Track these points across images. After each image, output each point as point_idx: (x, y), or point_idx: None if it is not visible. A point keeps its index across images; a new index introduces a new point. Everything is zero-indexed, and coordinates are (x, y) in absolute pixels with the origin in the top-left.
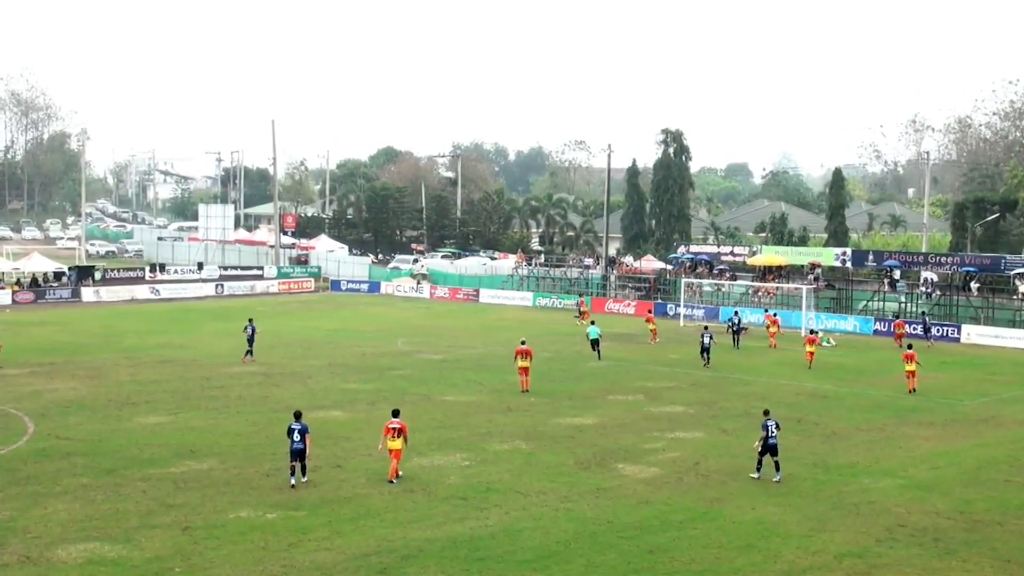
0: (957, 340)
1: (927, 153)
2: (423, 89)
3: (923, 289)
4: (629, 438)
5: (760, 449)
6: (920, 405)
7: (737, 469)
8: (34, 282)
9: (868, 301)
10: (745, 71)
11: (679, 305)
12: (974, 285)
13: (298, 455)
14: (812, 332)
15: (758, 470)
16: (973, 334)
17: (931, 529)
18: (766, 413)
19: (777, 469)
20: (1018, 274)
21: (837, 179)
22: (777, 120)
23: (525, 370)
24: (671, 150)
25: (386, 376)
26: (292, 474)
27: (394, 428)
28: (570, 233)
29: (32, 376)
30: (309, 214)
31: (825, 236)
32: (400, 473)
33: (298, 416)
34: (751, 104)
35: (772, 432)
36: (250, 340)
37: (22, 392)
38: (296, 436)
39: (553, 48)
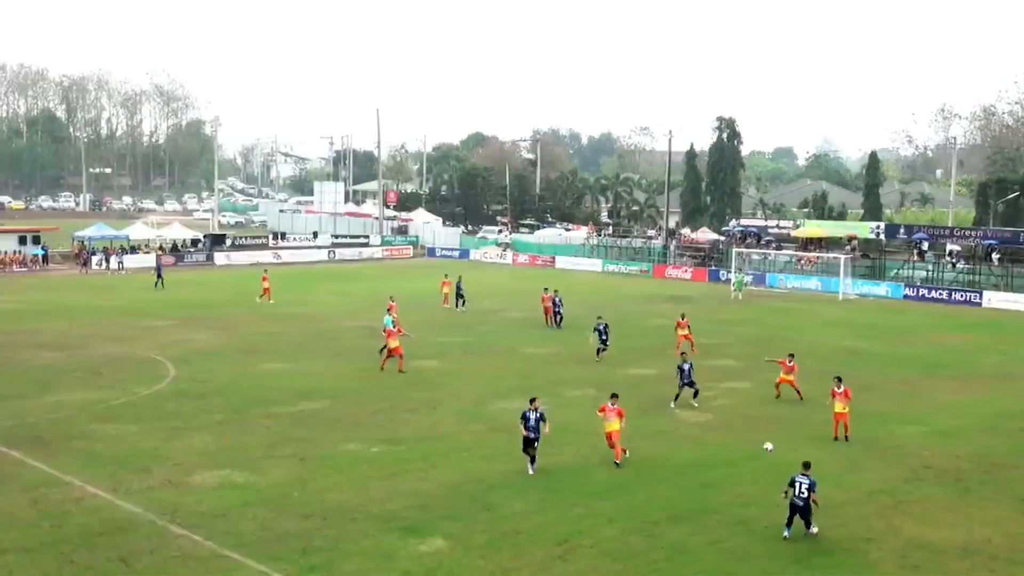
0: (979, 305)
1: (954, 138)
2: (508, 80)
3: (949, 259)
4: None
5: (789, 507)
6: (944, 361)
7: (781, 416)
8: (174, 247)
9: (899, 269)
10: (791, 63)
11: (730, 271)
12: (995, 256)
13: (532, 444)
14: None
15: (788, 526)
16: (994, 300)
17: (953, 471)
18: (806, 466)
19: (807, 525)
20: None
21: (873, 161)
22: (819, 108)
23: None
24: (724, 135)
25: (475, 331)
26: (531, 461)
27: (612, 409)
28: (635, 208)
29: (174, 328)
30: (408, 190)
31: (861, 212)
32: (626, 452)
33: (532, 402)
34: (796, 93)
35: (800, 492)
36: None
37: (166, 341)
38: (532, 423)
39: (623, 43)
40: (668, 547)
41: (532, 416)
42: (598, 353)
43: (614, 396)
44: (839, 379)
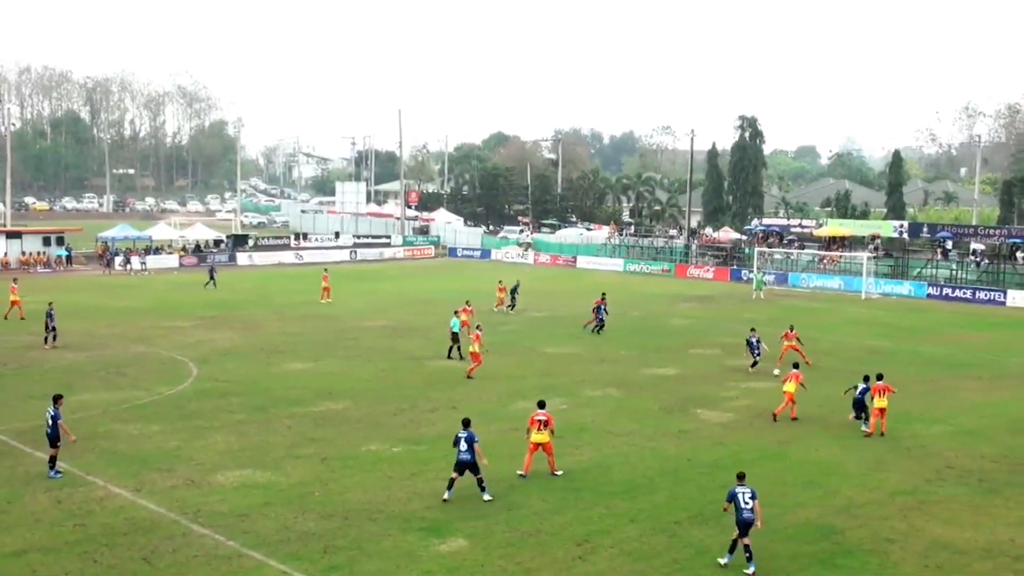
0: (1003, 304)
1: (978, 136)
2: (530, 80)
3: (972, 258)
4: (707, 387)
5: (736, 524)
6: (969, 361)
7: (803, 416)
8: (197, 248)
9: (922, 268)
10: (814, 62)
11: (751, 271)
12: (1020, 255)
13: (469, 467)
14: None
15: (730, 552)
16: (1018, 298)
17: (977, 471)
18: (740, 478)
19: (749, 558)
20: None
21: (896, 160)
22: (843, 106)
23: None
24: (747, 134)
25: (497, 331)
26: (450, 487)
27: (540, 420)
28: (657, 207)
29: (196, 328)
30: (430, 190)
31: (885, 211)
32: (559, 471)
33: (467, 424)
34: (819, 92)
35: (745, 503)
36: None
37: (188, 341)
38: (463, 445)
39: (645, 42)
40: (689, 547)
41: (462, 437)
42: (753, 366)
43: (541, 404)
44: (880, 376)
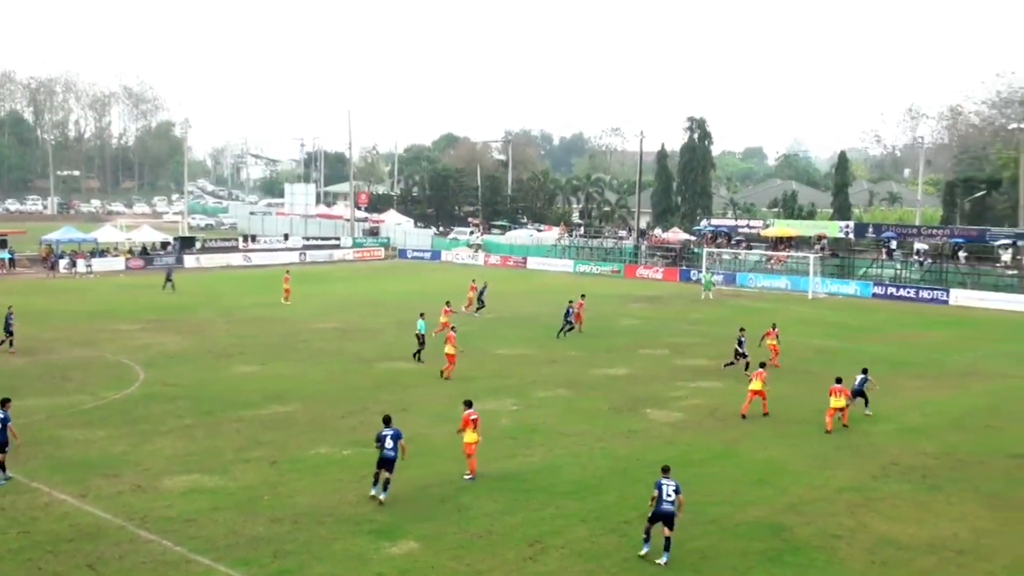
0: (946, 303)
1: (922, 138)
2: (480, 81)
3: (916, 258)
4: (657, 387)
5: (651, 515)
6: (913, 359)
7: (751, 415)
8: (144, 251)
9: (868, 268)
10: (761, 64)
11: (700, 271)
12: (962, 254)
13: (387, 464)
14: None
15: (646, 542)
16: (960, 297)
17: (920, 468)
18: (664, 471)
19: (666, 548)
20: (1001, 244)
21: (842, 161)
22: (789, 108)
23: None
24: (695, 135)
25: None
26: (375, 483)
27: (474, 419)
28: (606, 208)
29: (143, 331)
30: (380, 192)
31: (831, 211)
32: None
33: (388, 422)
34: (767, 94)
35: (668, 495)
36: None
37: (134, 345)
38: (389, 443)
39: (593, 44)
40: (639, 546)
41: (387, 435)
42: (728, 365)
43: (467, 403)
44: (839, 380)
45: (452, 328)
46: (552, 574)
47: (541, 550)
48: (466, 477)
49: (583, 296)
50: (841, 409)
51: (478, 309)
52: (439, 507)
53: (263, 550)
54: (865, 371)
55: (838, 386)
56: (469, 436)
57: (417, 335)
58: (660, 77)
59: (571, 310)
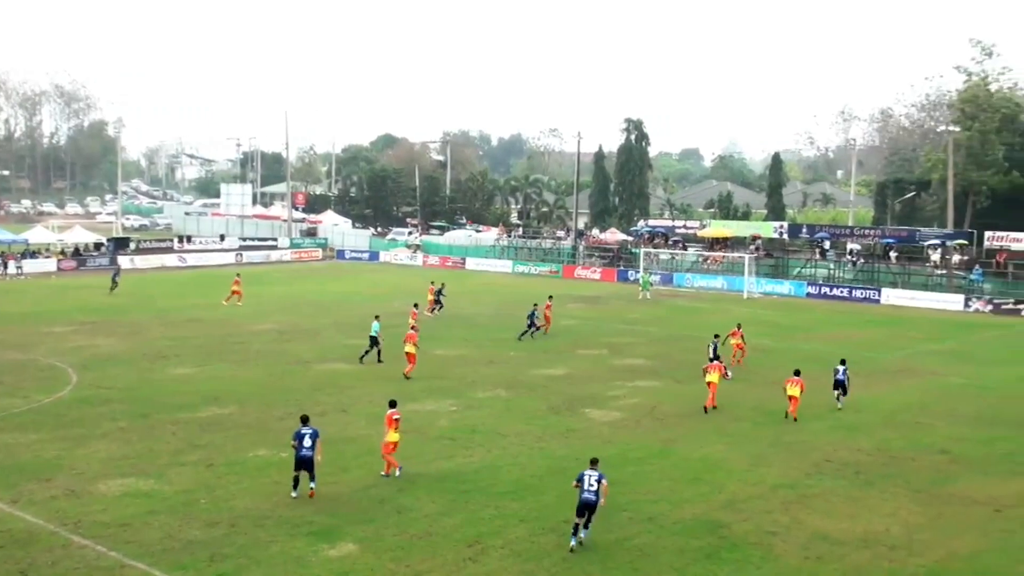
0: (878, 302)
1: (854, 140)
2: (418, 82)
3: (849, 258)
4: (595, 387)
5: (577, 506)
6: (846, 357)
7: (688, 413)
8: (76, 252)
9: (802, 268)
10: (698, 66)
11: (638, 271)
12: (893, 254)
13: (306, 463)
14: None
15: (574, 535)
16: (892, 296)
17: (854, 464)
18: (592, 462)
19: (585, 525)
20: (930, 244)
21: (776, 162)
22: (725, 110)
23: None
24: (633, 137)
25: (385, 333)
26: (295, 486)
27: (396, 419)
28: (544, 209)
29: (76, 333)
30: (317, 192)
31: (765, 212)
32: (399, 471)
33: (305, 420)
34: (703, 96)
35: (590, 485)
36: None
37: (67, 347)
38: (307, 442)
39: (532, 45)
40: (578, 545)
41: (305, 434)
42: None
43: (392, 403)
44: (797, 372)
45: (412, 327)
46: (492, 574)
47: (481, 550)
48: (382, 474)
49: (551, 297)
50: (794, 398)
51: (433, 309)
52: (378, 508)
53: (200, 554)
54: (843, 361)
55: (796, 378)
56: (390, 436)
57: (371, 337)
58: (598, 78)
59: (535, 312)
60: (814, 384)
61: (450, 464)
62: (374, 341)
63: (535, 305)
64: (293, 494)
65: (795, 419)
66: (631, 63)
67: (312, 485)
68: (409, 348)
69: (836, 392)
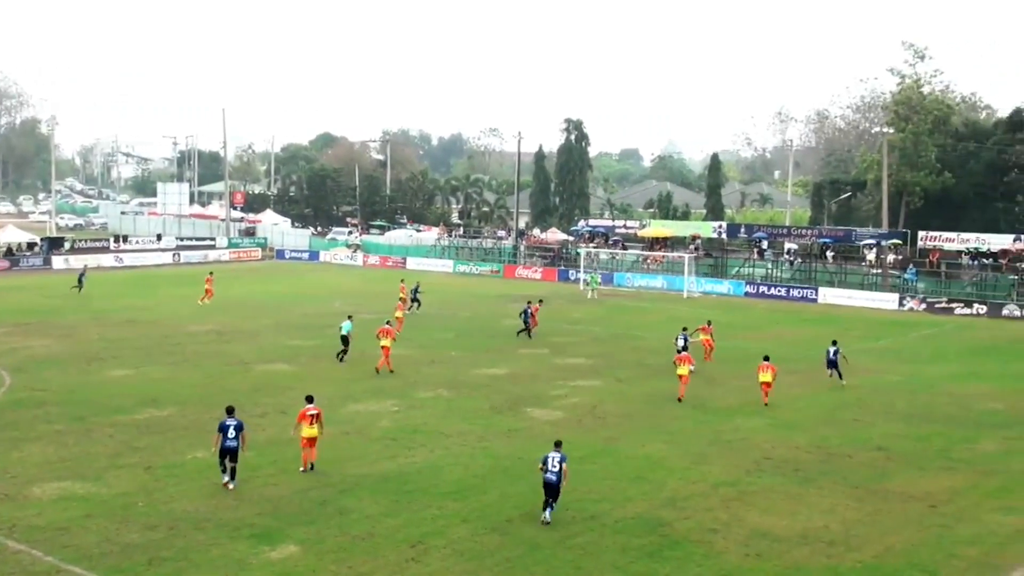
0: (815, 301)
1: (791, 141)
2: (358, 81)
3: (787, 257)
4: (537, 386)
5: (543, 485)
6: (785, 355)
7: (630, 412)
8: (8, 251)
9: (740, 267)
10: (637, 68)
11: (579, 271)
12: (829, 254)
13: (230, 454)
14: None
15: (544, 509)
16: (828, 295)
17: (792, 461)
18: (556, 445)
19: (544, 508)
20: (866, 244)
21: (714, 163)
22: (664, 111)
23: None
24: (572, 137)
25: (326, 334)
26: (224, 471)
27: (312, 415)
28: (485, 209)
29: (9, 335)
30: (256, 191)
31: (704, 212)
32: (314, 464)
33: (231, 412)
34: (642, 96)
35: (552, 466)
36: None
37: (1, 349)
38: (231, 433)
39: (470, 46)
40: (521, 545)
41: (230, 425)
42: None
43: (309, 399)
44: (767, 357)
45: (388, 322)
46: (434, 574)
47: (423, 551)
48: (301, 470)
49: (540, 301)
50: (767, 384)
51: (409, 308)
52: (319, 510)
53: (138, 558)
54: (835, 342)
55: (766, 363)
56: (307, 431)
57: (342, 336)
58: (538, 78)
59: (528, 311)
60: (755, 381)
61: (392, 465)
62: (345, 340)
63: (528, 303)
64: (224, 479)
65: (766, 404)
66: (571, 63)
67: (232, 482)
68: (385, 342)
69: (829, 371)
